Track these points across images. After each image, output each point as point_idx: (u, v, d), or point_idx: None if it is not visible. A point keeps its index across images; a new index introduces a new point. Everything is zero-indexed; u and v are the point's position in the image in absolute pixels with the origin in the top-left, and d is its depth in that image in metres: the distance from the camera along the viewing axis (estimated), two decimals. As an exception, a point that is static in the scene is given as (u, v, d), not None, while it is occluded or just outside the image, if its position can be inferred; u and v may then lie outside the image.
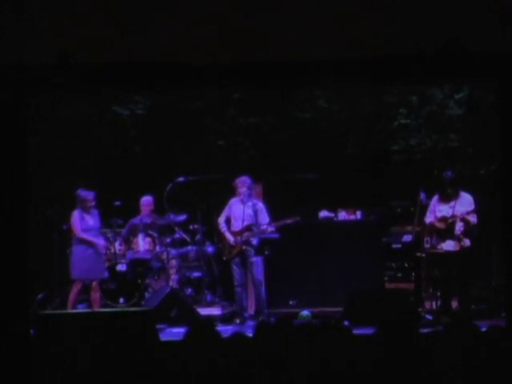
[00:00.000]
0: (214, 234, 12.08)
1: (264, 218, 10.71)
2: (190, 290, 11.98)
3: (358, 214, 11.85)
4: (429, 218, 10.31)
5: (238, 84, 9.19)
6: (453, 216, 10.08)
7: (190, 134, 12.80)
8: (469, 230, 10.10)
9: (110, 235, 11.45)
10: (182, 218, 11.99)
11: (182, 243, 12.19)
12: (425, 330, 8.40)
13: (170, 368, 5.47)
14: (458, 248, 10.09)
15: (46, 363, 6.59)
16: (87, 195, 10.58)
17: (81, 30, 7.70)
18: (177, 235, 12.06)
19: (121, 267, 11.45)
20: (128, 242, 11.76)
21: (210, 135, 12.91)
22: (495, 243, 11.36)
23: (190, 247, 12.20)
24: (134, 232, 11.79)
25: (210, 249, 12.13)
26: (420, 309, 10.43)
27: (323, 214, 11.91)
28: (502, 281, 9.63)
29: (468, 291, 10.19)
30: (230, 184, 11.53)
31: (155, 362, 6.06)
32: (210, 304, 11.77)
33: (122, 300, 11.29)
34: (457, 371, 5.17)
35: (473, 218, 10.06)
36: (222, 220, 10.87)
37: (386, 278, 11.35)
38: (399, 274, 11.36)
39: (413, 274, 11.09)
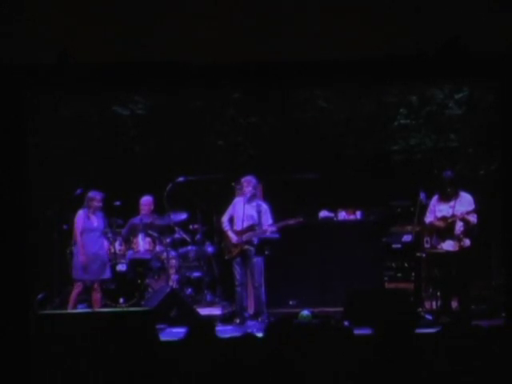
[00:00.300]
0: (214, 234, 12.09)
1: (267, 218, 10.70)
2: (189, 290, 11.99)
3: (358, 214, 11.86)
4: (429, 218, 10.31)
5: (238, 84, 9.20)
6: (453, 216, 10.08)
7: (190, 134, 12.80)
8: (469, 230, 10.10)
9: (109, 235, 11.45)
10: (182, 217, 11.99)
11: (182, 243, 12.19)
12: (425, 330, 8.44)
13: (170, 368, 5.47)
14: (457, 248, 10.08)
15: (45, 363, 6.59)
16: (95, 195, 10.61)
17: (81, 30, 7.70)
18: (177, 235, 12.06)
19: (121, 267, 11.45)
20: (128, 241, 11.76)
21: (210, 135, 12.91)
22: (495, 243, 11.36)
23: (189, 247, 12.21)
24: (133, 232, 11.79)
25: (209, 249, 12.13)
26: (420, 309, 10.44)
27: (323, 213, 11.91)
28: (502, 281, 9.64)
29: (468, 291, 10.19)
30: (230, 184, 11.54)
31: (155, 362, 6.06)
32: (209, 304, 11.78)
33: (121, 300, 11.29)
34: (457, 371, 5.17)
35: (473, 218, 10.06)
36: (225, 219, 10.85)
37: (385, 278, 11.35)
38: (399, 274, 11.36)
39: (413, 274, 11.09)
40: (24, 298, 7.84)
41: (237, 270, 10.67)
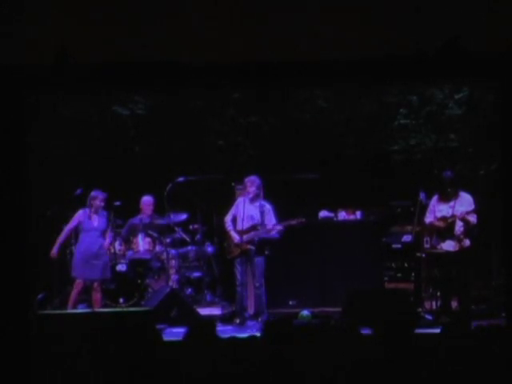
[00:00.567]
0: (214, 234, 12.09)
1: (270, 219, 10.70)
2: (189, 290, 11.99)
3: (358, 214, 11.85)
4: (428, 218, 10.31)
5: (238, 84, 9.20)
6: (452, 216, 10.08)
7: (190, 134, 12.79)
8: (469, 230, 10.10)
9: (109, 235, 11.44)
10: (182, 218, 11.99)
11: (182, 243, 12.19)
12: (425, 330, 8.44)
13: (170, 368, 5.47)
14: (457, 248, 10.08)
15: (46, 363, 6.59)
16: (97, 194, 10.63)
17: (81, 30, 7.70)
18: (177, 235, 12.06)
19: (121, 267, 11.45)
20: (128, 242, 11.76)
21: (210, 135, 12.91)
22: (495, 243, 11.36)
23: (189, 247, 12.21)
24: (133, 232, 11.79)
25: (209, 249, 12.13)
26: (420, 309, 10.43)
27: (323, 214, 11.91)
28: (502, 281, 9.64)
29: (468, 291, 10.18)
30: (230, 184, 11.54)
31: (155, 362, 6.06)
32: (209, 304, 11.77)
33: (121, 300, 11.29)
34: (457, 371, 5.17)
35: (472, 218, 10.05)
36: (228, 219, 10.84)
37: (386, 278, 11.34)
38: (399, 274, 11.35)
39: (413, 274, 11.08)
40: (24, 298, 7.84)
41: (238, 270, 10.66)
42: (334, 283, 11.23)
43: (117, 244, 11.54)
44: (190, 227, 12.18)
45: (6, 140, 7.81)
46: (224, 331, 9.23)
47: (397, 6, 7.73)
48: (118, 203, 11.16)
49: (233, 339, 5.58)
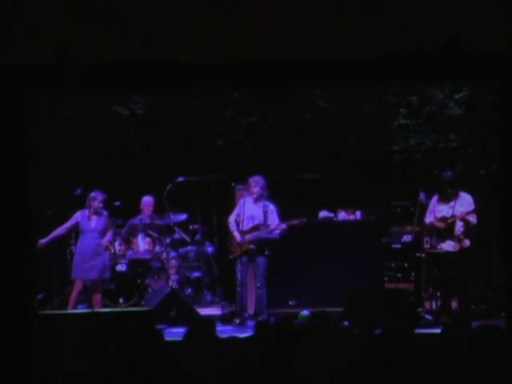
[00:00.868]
0: (214, 234, 12.09)
1: (274, 219, 10.71)
2: (189, 290, 11.99)
3: (358, 214, 11.84)
4: (428, 219, 10.30)
5: (238, 84, 9.19)
6: (452, 216, 10.08)
7: (189, 134, 12.80)
8: (469, 230, 10.10)
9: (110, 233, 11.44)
10: (182, 218, 11.99)
11: (182, 243, 12.19)
12: (425, 330, 8.45)
13: (170, 368, 5.47)
14: (457, 248, 10.07)
15: (45, 363, 6.59)
16: (96, 195, 10.62)
17: (81, 30, 7.70)
18: (176, 235, 12.06)
19: (120, 267, 11.45)
20: (128, 242, 11.77)
21: (210, 135, 12.91)
22: (495, 243, 11.36)
23: (189, 247, 12.21)
24: (133, 232, 11.79)
25: (209, 249, 12.13)
26: (420, 309, 10.43)
27: (323, 214, 11.90)
28: (502, 281, 9.64)
29: (468, 291, 10.18)
30: (230, 184, 11.54)
31: (155, 362, 6.06)
32: (209, 304, 11.78)
33: (121, 300, 11.29)
34: (457, 371, 5.17)
35: (472, 218, 10.05)
36: (232, 219, 10.84)
37: (385, 278, 11.33)
38: (399, 274, 11.35)
39: (413, 274, 11.08)
40: (24, 298, 7.84)
41: (239, 270, 10.66)
42: (333, 283, 11.22)
43: (117, 244, 11.53)
44: (190, 227, 12.18)
45: (6, 140, 7.81)
46: (224, 331, 9.23)
47: (397, 6, 7.72)
48: (118, 203, 11.16)
49: (233, 339, 5.58)
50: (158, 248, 11.82)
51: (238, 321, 10.57)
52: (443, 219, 10.14)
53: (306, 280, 11.39)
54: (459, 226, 10.09)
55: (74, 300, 10.59)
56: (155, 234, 11.84)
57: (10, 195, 7.78)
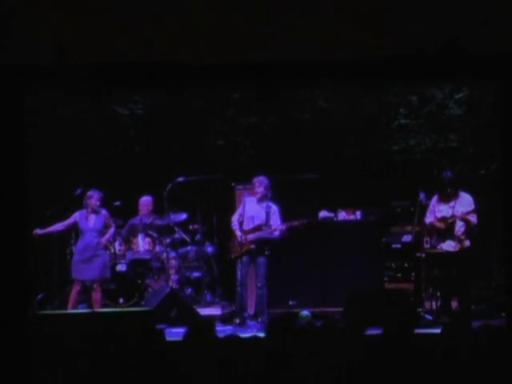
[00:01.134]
0: (213, 234, 12.09)
1: (276, 220, 10.71)
2: (189, 290, 11.98)
3: (358, 214, 11.84)
4: (428, 218, 10.30)
5: (238, 84, 9.20)
6: (452, 216, 10.08)
7: (189, 134, 12.79)
8: (469, 231, 10.09)
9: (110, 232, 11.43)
10: (182, 218, 11.99)
11: (182, 243, 12.19)
12: (425, 330, 8.44)
13: (170, 368, 5.47)
14: (457, 248, 10.07)
15: (45, 363, 6.59)
16: (92, 194, 10.62)
17: (81, 30, 7.70)
18: (176, 235, 12.06)
19: (120, 267, 11.45)
20: (128, 242, 11.76)
21: (209, 135, 12.91)
22: (495, 243, 11.36)
23: (189, 247, 12.20)
24: (133, 232, 11.79)
25: (209, 249, 12.13)
26: (420, 309, 10.43)
27: (323, 214, 11.90)
28: (502, 281, 9.64)
29: (468, 291, 10.18)
30: (229, 184, 11.54)
31: (155, 362, 6.06)
32: (209, 304, 11.77)
33: (121, 300, 11.29)
34: (457, 371, 5.17)
35: (473, 218, 10.05)
36: (235, 218, 10.83)
37: (385, 278, 11.33)
38: (399, 274, 11.35)
39: (413, 274, 11.08)
40: (24, 298, 7.84)
41: (240, 270, 10.66)
42: (333, 283, 11.22)
43: (117, 244, 11.54)
44: (190, 227, 12.17)
45: (6, 140, 7.80)
46: (224, 331, 9.23)
47: (397, 6, 7.72)
48: (117, 203, 11.16)
49: (233, 337, 5.57)
50: (158, 248, 11.81)
51: (237, 321, 10.57)
52: (443, 219, 10.14)
53: (306, 280, 11.38)
54: (459, 226, 10.08)
55: (74, 300, 10.59)
56: (155, 234, 11.84)
57: (10, 195, 7.78)
